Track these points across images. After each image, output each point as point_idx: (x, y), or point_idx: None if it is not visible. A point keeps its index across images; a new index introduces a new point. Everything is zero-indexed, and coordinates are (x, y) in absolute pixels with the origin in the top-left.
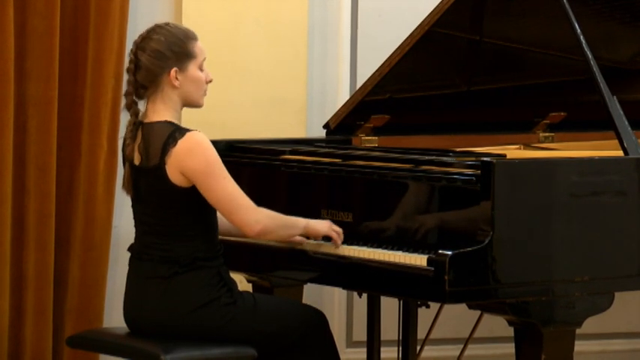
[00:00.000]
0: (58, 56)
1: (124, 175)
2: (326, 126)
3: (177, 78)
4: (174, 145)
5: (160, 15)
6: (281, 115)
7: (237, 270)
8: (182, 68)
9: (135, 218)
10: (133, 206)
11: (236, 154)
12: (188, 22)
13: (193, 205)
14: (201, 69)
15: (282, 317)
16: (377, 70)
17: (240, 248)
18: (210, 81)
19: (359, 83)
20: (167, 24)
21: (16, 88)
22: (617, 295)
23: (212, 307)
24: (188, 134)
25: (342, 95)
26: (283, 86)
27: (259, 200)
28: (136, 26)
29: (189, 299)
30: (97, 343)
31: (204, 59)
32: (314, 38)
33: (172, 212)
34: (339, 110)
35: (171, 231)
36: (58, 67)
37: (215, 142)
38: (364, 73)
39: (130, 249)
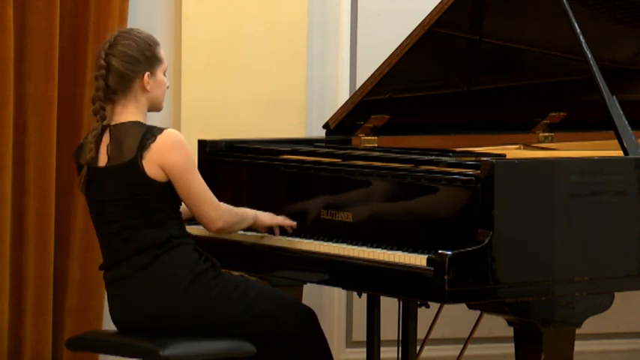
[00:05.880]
0: (58, 56)
1: (81, 181)
2: (326, 126)
3: (149, 82)
4: (154, 140)
5: (160, 15)
6: (281, 115)
7: (237, 270)
8: (153, 73)
9: (98, 224)
10: (94, 212)
11: (236, 154)
12: (188, 22)
13: (167, 197)
14: (164, 74)
15: (271, 298)
16: (377, 70)
17: (240, 248)
18: (167, 87)
19: (359, 83)
20: (132, 29)
21: (15, 88)
22: (617, 295)
23: (200, 283)
24: (167, 131)
25: (341, 95)
26: (283, 86)
27: (259, 200)
28: (136, 26)
29: (176, 278)
30: (96, 343)
31: (167, 67)
32: (314, 38)
33: (145, 205)
34: (338, 110)
35: (142, 221)
36: (57, 67)
37: (215, 142)
38: (364, 73)
39: (101, 267)
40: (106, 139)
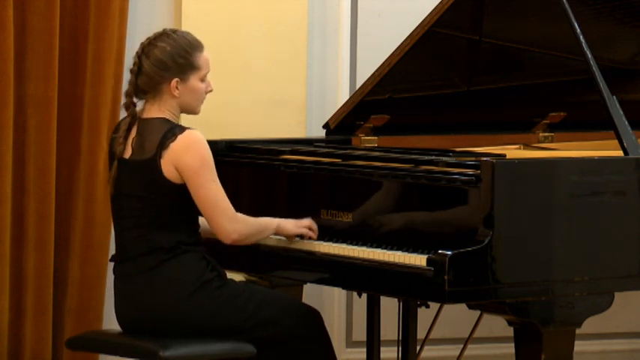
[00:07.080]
0: (58, 56)
1: (111, 172)
2: (326, 126)
3: (177, 88)
4: (174, 139)
5: (160, 15)
6: (281, 115)
7: (237, 270)
8: (183, 79)
9: (114, 216)
10: (113, 203)
11: (236, 154)
12: (188, 22)
13: (182, 200)
14: (202, 80)
15: (274, 303)
16: (377, 70)
17: (240, 248)
18: (210, 91)
19: (359, 83)
20: (175, 31)
21: (15, 88)
22: (617, 295)
23: (204, 291)
24: (188, 131)
25: (341, 95)
26: (283, 86)
27: (259, 200)
28: (136, 26)
29: (182, 284)
30: (96, 343)
31: (208, 72)
32: (314, 38)
33: (158, 205)
34: (338, 110)
35: (154, 222)
36: (57, 67)
37: (215, 142)
38: (364, 73)
39: (112, 259)
40: (133, 131)
